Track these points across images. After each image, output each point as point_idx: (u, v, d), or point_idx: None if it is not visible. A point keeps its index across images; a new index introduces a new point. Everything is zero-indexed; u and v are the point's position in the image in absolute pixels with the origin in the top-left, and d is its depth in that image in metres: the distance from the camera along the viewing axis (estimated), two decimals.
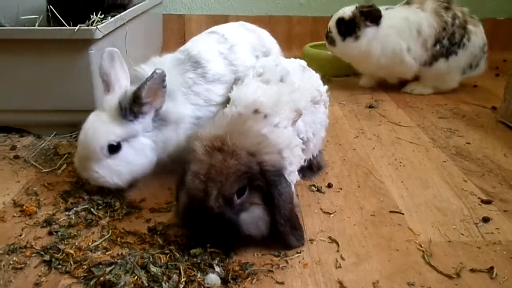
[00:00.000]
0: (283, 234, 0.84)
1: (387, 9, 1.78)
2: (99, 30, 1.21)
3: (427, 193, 1.09)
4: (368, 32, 1.71)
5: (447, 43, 1.71)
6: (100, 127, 1.00)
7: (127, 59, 1.38)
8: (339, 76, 2.08)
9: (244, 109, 0.90)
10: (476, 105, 1.71)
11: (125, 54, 1.52)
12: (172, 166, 1.16)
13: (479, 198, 1.07)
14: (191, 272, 0.78)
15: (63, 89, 1.30)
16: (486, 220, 0.98)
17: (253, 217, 0.83)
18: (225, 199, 0.78)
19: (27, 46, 1.23)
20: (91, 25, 1.25)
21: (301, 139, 1.00)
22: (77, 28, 1.19)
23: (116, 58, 1.05)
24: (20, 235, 0.92)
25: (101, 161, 0.99)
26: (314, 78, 1.13)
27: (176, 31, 2.39)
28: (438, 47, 1.71)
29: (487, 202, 1.05)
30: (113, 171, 1.01)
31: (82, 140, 1.00)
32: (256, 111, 0.90)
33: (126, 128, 1.01)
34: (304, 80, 1.07)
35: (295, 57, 1.20)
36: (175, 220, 0.95)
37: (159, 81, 0.99)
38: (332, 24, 1.79)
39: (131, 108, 1.00)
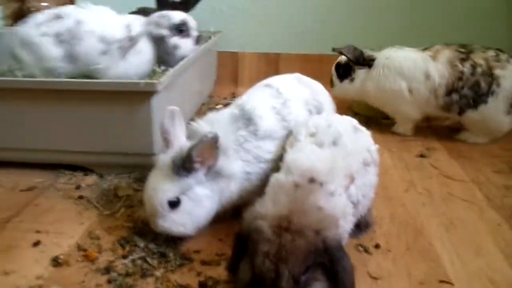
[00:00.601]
0: None
1: (396, 50, 1.86)
2: (160, 84, 1.29)
3: (480, 261, 1.07)
4: (360, 74, 1.89)
5: (470, 93, 1.69)
6: (158, 186, 1.07)
7: (183, 102, 1.47)
8: (389, 118, 2.06)
9: (300, 178, 0.92)
10: None
11: (182, 97, 1.61)
12: (224, 216, 1.23)
13: None
14: None
15: (126, 133, 1.39)
16: None
17: None
18: (294, 279, 0.79)
19: (96, 95, 1.34)
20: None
21: (352, 202, 1.01)
22: (142, 82, 1.28)
23: (176, 116, 1.13)
24: (83, 281, 0.99)
25: (165, 216, 1.07)
26: (365, 138, 1.15)
27: (229, 67, 2.48)
28: (455, 97, 1.71)
29: None
30: (178, 223, 1.08)
31: (146, 199, 1.10)
32: (311, 180, 0.92)
33: (180, 183, 1.07)
34: (356, 142, 1.08)
35: None
36: (225, 276, 0.99)
37: (211, 143, 1.05)
38: (332, 68, 2.02)
39: (183, 165, 1.06)
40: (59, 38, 1.57)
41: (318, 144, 1.05)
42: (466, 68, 1.69)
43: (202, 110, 2.14)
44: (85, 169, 1.51)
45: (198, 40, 1.77)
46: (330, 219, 0.88)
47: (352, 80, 1.93)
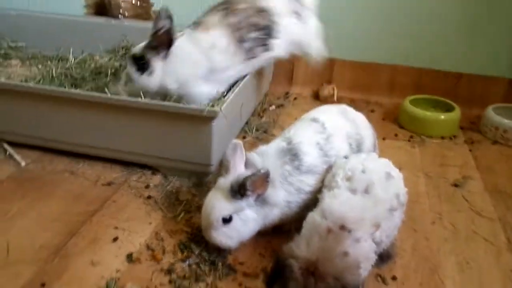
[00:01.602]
0: None
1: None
2: (220, 112, 1.50)
3: None
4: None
5: None
6: (215, 204, 1.30)
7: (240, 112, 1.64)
8: (435, 137, 2.14)
9: (332, 224, 1.10)
10: None
11: (239, 108, 1.81)
12: (265, 232, 1.45)
13: None
14: None
15: (189, 145, 1.63)
16: None
17: None
18: None
19: (169, 114, 1.59)
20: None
21: (375, 243, 1.18)
22: (206, 109, 1.49)
23: (238, 149, 1.34)
24: (151, 279, 1.26)
25: (217, 229, 1.30)
26: (396, 185, 1.28)
27: (285, 68, 2.61)
28: None
29: None
30: (226, 237, 1.31)
31: (204, 213, 1.33)
32: (342, 227, 1.09)
33: (234, 204, 1.30)
34: (386, 190, 1.23)
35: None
36: None
37: (263, 177, 1.26)
38: None
39: (239, 191, 1.28)
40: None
41: (351, 191, 1.22)
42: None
43: (257, 111, 2.33)
44: (153, 169, 1.78)
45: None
46: (353, 265, 1.06)
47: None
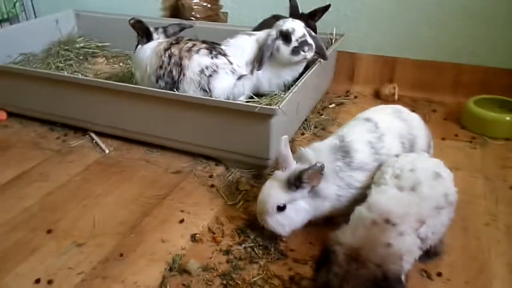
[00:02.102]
0: None
1: None
2: (278, 110, 1.62)
3: None
4: None
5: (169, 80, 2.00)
6: (272, 193, 1.42)
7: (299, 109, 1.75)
8: (499, 139, 2.09)
9: (378, 217, 1.17)
10: None
11: (298, 106, 1.91)
12: (316, 222, 1.55)
13: None
14: None
15: (249, 140, 1.77)
16: None
17: None
18: None
19: (233, 111, 1.74)
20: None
21: (421, 238, 1.24)
22: (265, 107, 1.63)
23: (287, 144, 1.45)
24: (211, 258, 1.42)
25: (272, 216, 1.42)
26: (444, 184, 1.31)
27: (347, 66, 2.66)
28: (161, 83, 2.04)
29: None
30: (279, 224, 1.43)
31: (261, 200, 1.44)
32: (387, 221, 1.16)
33: (290, 195, 1.41)
34: (433, 189, 1.27)
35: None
36: (309, 275, 1.33)
37: (318, 171, 1.36)
38: None
39: (295, 183, 1.39)
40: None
41: (399, 188, 1.27)
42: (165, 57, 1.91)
43: (316, 108, 2.42)
44: (217, 160, 1.94)
45: (299, 49, 1.95)
46: (395, 255, 1.12)
47: None
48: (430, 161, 1.39)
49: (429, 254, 1.38)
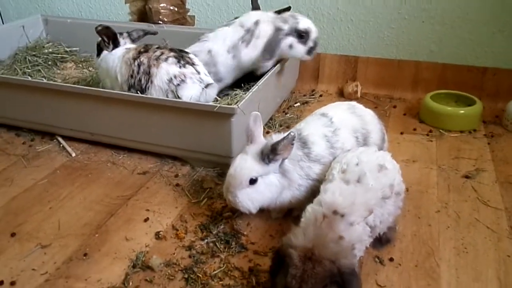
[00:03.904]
0: None
1: None
2: (238, 108, 1.67)
3: (474, 287, 1.30)
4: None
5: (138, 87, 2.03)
6: (245, 165, 1.44)
7: (262, 107, 1.82)
8: (454, 131, 2.18)
9: (326, 210, 1.22)
10: None
11: (263, 102, 1.96)
12: (276, 217, 1.61)
13: None
14: None
15: (212, 139, 1.82)
16: None
17: None
18: None
19: (194, 111, 1.78)
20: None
21: (370, 226, 1.31)
22: (225, 106, 1.68)
23: (258, 120, 1.49)
24: (173, 253, 1.46)
25: (242, 189, 1.44)
26: (389, 175, 1.37)
27: (311, 66, 2.73)
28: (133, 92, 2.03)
29: None
30: (249, 198, 1.45)
31: (231, 173, 1.45)
32: (335, 212, 1.21)
33: (263, 168, 1.43)
34: (378, 180, 1.34)
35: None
36: (268, 266, 1.38)
37: (290, 141, 1.40)
38: None
39: (268, 155, 1.42)
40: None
41: (345, 181, 1.34)
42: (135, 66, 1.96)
43: (282, 108, 2.48)
44: (182, 160, 1.99)
45: (313, 50, 2.09)
46: (347, 249, 1.17)
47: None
48: (376, 154, 1.45)
49: (381, 241, 1.46)
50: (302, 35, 2.04)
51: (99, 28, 2.09)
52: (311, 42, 2.05)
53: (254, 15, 2.19)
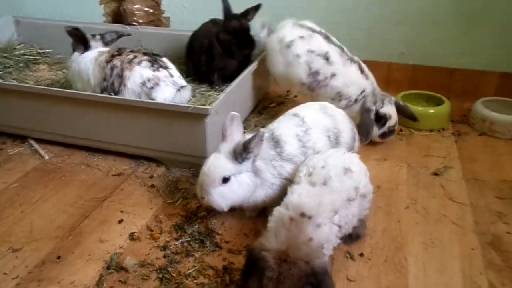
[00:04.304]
0: None
1: None
2: (212, 109, 1.69)
3: (440, 279, 1.35)
4: None
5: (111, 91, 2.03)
6: (218, 164, 1.46)
7: (237, 107, 1.84)
8: (424, 130, 2.25)
9: (293, 213, 1.23)
10: None
11: (238, 102, 1.98)
12: (250, 215, 1.63)
13: None
14: None
15: (187, 140, 1.83)
16: None
17: None
18: None
19: (168, 113, 1.79)
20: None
21: (337, 225, 1.33)
22: (198, 107, 1.69)
23: (235, 120, 1.51)
24: (148, 254, 1.47)
25: (215, 187, 1.46)
26: (354, 178, 1.39)
27: None
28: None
29: None
30: (222, 196, 1.47)
31: (205, 171, 1.47)
32: (302, 214, 1.23)
33: (235, 166, 1.46)
34: (343, 183, 1.35)
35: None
36: (241, 264, 1.40)
37: (260, 138, 1.43)
38: None
39: (241, 153, 1.44)
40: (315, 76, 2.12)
41: (311, 184, 1.35)
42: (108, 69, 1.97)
43: (257, 108, 2.51)
44: (158, 161, 1.99)
45: (386, 135, 2.08)
46: (318, 249, 1.20)
47: None
48: (343, 157, 1.46)
49: (352, 237, 1.50)
50: (380, 118, 2.06)
51: (69, 29, 2.08)
52: (386, 128, 2.07)
53: None
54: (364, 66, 2.14)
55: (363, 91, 2.10)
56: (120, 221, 1.62)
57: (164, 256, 1.45)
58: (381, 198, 1.73)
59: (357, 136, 1.77)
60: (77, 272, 1.39)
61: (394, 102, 2.10)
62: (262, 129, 1.43)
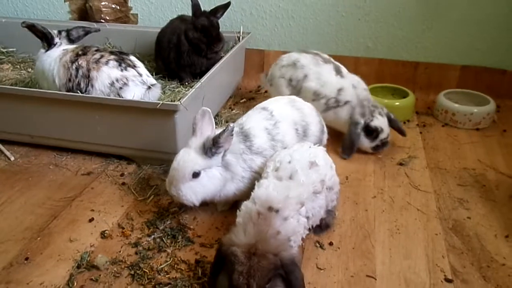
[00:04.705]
0: None
1: None
2: (181, 105, 1.69)
3: (405, 264, 1.41)
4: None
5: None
6: (188, 159, 1.46)
7: (208, 102, 1.85)
8: None
9: (261, 207, 1.26)
10: (502, 174, 1.87)
11: (209, 96, 1.99)
12: (222, 209, 1.65)
13: (445, 275, 1.36)
14: None
15: (157, 136, 1.83)
16: None
17: None
18: None
19: (137, 109, 1.78)
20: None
21: (304, 217, 1.36)
22: (167, 103, 1.69)
23: (207, 114, 1.51)
24: (120, 251, 1.46)
25: (186, 182, 1.46)
26: (320, 171, 1.42)
27: (256, 63, 2.80)
28: None
29: (449, 281, 1.34)
30: (192, 191, 1.47)
31: (175, 166, 1.47)
32: (270, 208, 1.25)
33: (205, 161, 1.47)
34: (309, 176, 1.38)
35: None
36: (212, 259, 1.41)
37: (229, 133, 1.44)
38: None
39: (210, 148, 1.45)
40: (290, 83, 2.15)
41: (278, 178, 1.38)
42: (73, 70, 1.94)
43: (228, 104, 2.52)
44: (128, 159, 1.98)
45: (379, 148, 2.01)
46: (285, 242, 1.22)
47: None
48: (308, 152, 1.48)
49: (321, 227, 1.54)
50: (371, 132, 1.99)
51: (23, 25, 2.02)
52: (379, 141, 1.99)
53: None
54: (342, 68, 2.15)
55: (341, 89, 2.06)
56: (91, 220, 1.60)
57: (136, 253, 1.45)
58: (349, 188, 1.78)
59: (325, 129, 1.82)
60: (47, 273, 1.38)
61: (385, 114, 2.02)
62: (231, 124, 1.45)
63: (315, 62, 2.14)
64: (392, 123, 2.03)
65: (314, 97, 2.08)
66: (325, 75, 2.10)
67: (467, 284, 1.33)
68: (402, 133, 2.07)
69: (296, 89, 2.14)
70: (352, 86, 2.07)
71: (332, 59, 2.18)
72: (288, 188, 1.33)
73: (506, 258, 1.43)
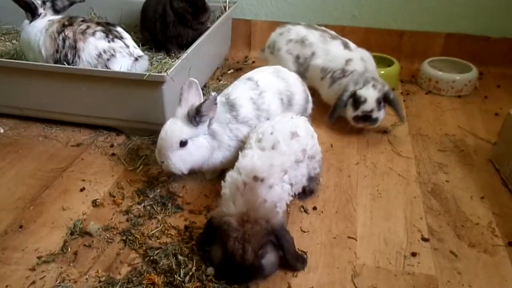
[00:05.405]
0: (293, 265, 1.29)
1: None
2: (167, 76, 1.71)
3: (385, 225, 1.48)
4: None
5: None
6: (175, 128, 1.50)
7: (196, 73, 1.87)
8: None
9: (246, 177, 1.30)
10: (481, 139, 1.94)
11: (196, 67, 2.01)
12: (210, 177, 1.70)
13: (422, 235, 1.43)
14: (201, 264, 1.31)
15: (145, 107, 1.85)
16: (413, 254, 1.36)
17: (270, 262, 1.26)
18: (255, 253, 1.21)
19: (129, 81, 1.80)
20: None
21: (288, 184, 1.41)
22: (154, 74, 1.71)
23: (193, 85, 1.54)
24: (111, 219, 1.51)
25: (174, 151, 1.50)
26: (302, 141, 1.46)
27: (243, 33, 2.79)
28: None
29: (425, 239, 1.42)
30: (181, 159, 1.51)
31: (162, 136, 1.51)
32: (255, 178, 1.30)
33: (191, 130, 1.50)
34: (291, 146, 1.42)
35: None
36: (202, 224, 1.47)
37: (212, 101, 1.47)
38: None
39: (194, 117, 1.48)
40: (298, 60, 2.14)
41: (261, 149, 1.41)
42: (60, 40, 1.93)
43: (216, 75, 2.54)
44: (118, 130, 2.00)
45: (359, 120, 1.91)
46: (273, 209, 1.28)
47: None
48: (289, 123, 1.51)
49: (306, 193, 1.60)
50: (356, 102, 1.91)
51: None
52: (360, 112, 1.89)
53: None
54: (350, 43, 2.13)
55: (349, 60, 2.02)
56: (82, 189, 1.65)
57: (127, 220, 1.51)
58: (333, 155, 1.84)
59: (310, 98, 1.85)
60: (41, 240, 1.43)
61: (384, 91, 1.90)
62: (213, 92, 1.47)
63: (323, 39, 2.13)
64: (390, 103, 1.93)
65: (322, 75, 2.07)
66: (333, 51, 2.08)
67: (442, 242, 1.41)
68: (400, 117, 1.95)
69: (303, 67, 2.14)
70: (361, 59, 2.05)
71: (339, 36, 2.16)
72: (271, 158, 1.37)
73: (480, 217, 1.51)
